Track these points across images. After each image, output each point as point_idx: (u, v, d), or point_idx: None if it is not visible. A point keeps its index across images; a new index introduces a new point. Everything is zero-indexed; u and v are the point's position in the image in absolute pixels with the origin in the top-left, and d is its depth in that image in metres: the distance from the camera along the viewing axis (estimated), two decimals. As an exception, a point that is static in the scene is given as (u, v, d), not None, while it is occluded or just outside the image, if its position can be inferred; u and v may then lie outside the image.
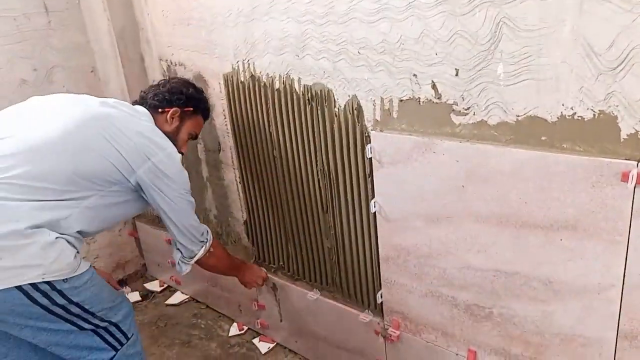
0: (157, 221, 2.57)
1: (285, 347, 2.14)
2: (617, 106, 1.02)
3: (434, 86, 1.27)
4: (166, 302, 2.56)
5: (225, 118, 1.91)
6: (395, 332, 1.63)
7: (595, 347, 1.20)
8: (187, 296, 2.58)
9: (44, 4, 2.21)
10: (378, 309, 1.69)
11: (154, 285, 2.72)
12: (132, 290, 2.68)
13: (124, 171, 1.40)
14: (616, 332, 1.15)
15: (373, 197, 1.51)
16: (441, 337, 1.53)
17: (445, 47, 1.21)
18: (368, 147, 1.45)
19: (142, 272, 2.83)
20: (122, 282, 2.73)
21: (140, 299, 2.61)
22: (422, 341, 1.58)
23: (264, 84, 1.69)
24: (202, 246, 1.64)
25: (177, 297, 2.58)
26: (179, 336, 2.30)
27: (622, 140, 1.04)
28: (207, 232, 1.67)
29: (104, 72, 2.42)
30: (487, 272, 1.33)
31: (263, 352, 2.13)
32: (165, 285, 2.70)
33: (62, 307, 1.30)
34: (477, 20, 1.14)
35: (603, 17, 0.98)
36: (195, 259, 1.65)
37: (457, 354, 1.50)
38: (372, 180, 1.50)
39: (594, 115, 1.05)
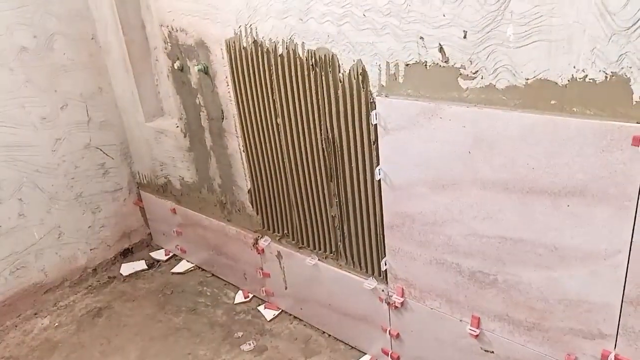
0: (161, 191, 2.58)
1: (290, 314, 2.16)
2: (630, 68, 0.99)
3: (441, 49, 1.24)
4: (172, 271, 2.58)
5: (228, 85, 1.89)
6: (399, 299, 1.64)
7: (600, 312, 1.19)
8: (193, 265, 2.60)
9: (41, -32, 2.16)
10: (382, 276, 1.69)
11: (159, 254, 2.74)
12: (138, 259, 2.71)
13: None
14: (621, 298, 1.15)
15: (378, 164, 1.49)
16: (445, 303, 1.53)
17: (453, 8, 1.17)
18: (373, 113, 1.43)
19: (148, 241, 2.85)
20: (128, 251, 2.76)
21: (146, 267, 2.64)
22: (426, 308, 1.59)
23: (267, 49, 1.66)
24: None
25: (182, 266, 2.60)
26: (185, 303, 2.32)
27: (634, 103, 1.01)
28: None
29: (104, 39, 2.38)
30: (492, 239, 1.32)
31: (268, 319, 2.15)
32: (171, 254, 2.72)
33: None
34: (486, -21, 1.10)
35: (619, -26, 0.94)
36: None
37: (461, 320, 1.51)
38: (377, 147, 1.48)
39: (606, 77, 1.02)
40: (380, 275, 1.70)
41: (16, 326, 2.29)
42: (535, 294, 1.30)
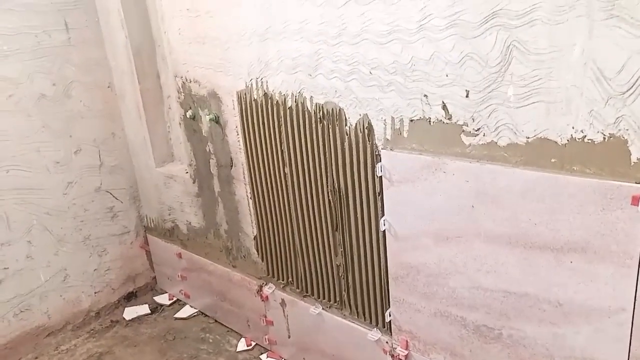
0: (167, 235, 2.60)
1: (293, 364, 2.13)
2: (627, 130, 1.02)
3: (444, 107, 1.29)
4: (175, 316, 2.57)
5: (237, 134, 1.94)
6: (403, 352, 1.62)
7: (606, 371, 1.18)
8: (196, 310, 2.58)
9: (64, 21, 2.27)
10: (387, 328, 1.68)
11: (163, 299, 2.73)
12: (142, 303, 2.70)
13: None
14: (627, 356, 1.14)
15: (383, 215, 1.52)
16: (450, 357, 1.51)
17: (455, 69, 1.23)
18: (378, 165, 1.46)
19: (152, 285, 2.85)
20: (132, 295, 2.75)
21: (149, 312, 2.63)
22: (430, 361, 1.57)
23: (277, 102, 1.72)
24: None
25: (186, 311, 2.59)
26: (187, 350, 2.30)
27: (632, 163, 1.04)
28: None
29: (120, 87, 2.47)
30: (496, 293, 1.32)
31: (271, 368, 2.13)
32: (175, 299, 2.71)
33: None
34: (487, 43, 1.15)
35: (613, 42, 0.99)
36: None
37: (465, 375, 1.49)
38: (382, 199, 1.50)
39: (604, 138, 1.06)
40: (384, 327, 1.69)
41: (16, 370, 2.27)
42: (540, 350, 1.29)
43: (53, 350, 2.39)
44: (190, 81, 2.07)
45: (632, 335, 1.12)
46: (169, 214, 2.53)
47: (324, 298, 1.89)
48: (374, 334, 1.71)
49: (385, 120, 1.43)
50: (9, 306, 2.27)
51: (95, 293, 2.58)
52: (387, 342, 1.69)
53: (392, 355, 1.68)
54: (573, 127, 1.09)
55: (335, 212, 1.69)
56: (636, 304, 1.09)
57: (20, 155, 2.22)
